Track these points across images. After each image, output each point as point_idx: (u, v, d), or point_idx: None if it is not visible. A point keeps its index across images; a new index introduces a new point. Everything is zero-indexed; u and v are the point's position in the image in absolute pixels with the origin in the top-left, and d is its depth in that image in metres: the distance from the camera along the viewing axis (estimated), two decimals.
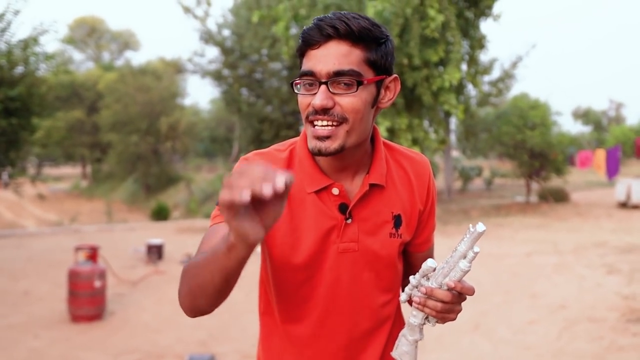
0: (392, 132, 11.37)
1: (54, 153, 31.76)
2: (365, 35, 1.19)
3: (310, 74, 1.19)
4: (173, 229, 13.20)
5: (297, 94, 1.24)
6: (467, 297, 1.22)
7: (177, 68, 28.96)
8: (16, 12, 9.81)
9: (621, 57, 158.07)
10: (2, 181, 11.88)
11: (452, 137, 22.55)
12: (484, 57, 18.83)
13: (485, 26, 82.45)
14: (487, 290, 6.62)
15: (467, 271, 1.15)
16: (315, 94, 1.20)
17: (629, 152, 30.97)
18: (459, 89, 13.24)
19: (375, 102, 1.25)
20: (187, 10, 20.40)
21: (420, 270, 1.20)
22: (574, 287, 6.87)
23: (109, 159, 31.94)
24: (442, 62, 11.80)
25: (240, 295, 5.96)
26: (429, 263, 1.18)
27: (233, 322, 5.73)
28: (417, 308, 1.21)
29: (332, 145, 1.21)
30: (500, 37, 19.93)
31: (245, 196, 0.87)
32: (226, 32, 21.19)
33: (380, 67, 1.23)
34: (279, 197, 0.93)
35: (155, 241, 9.12)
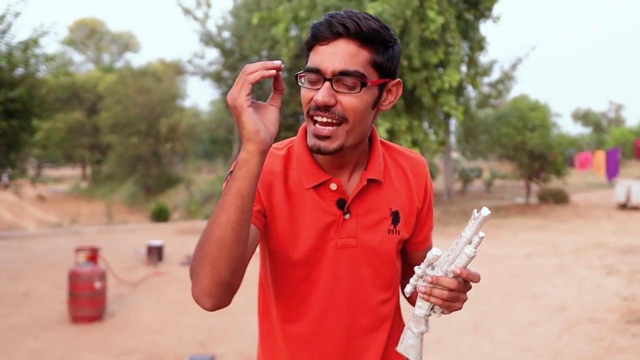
0: (391, 134, 11.38)
1: (54, 154, 31.70)
2: (374, 37, 1.20)
3: (316, 70, 1.20)
4: (173, 230, 13.20)
5: (300, 87, 1.25)
6: (467, 298, 1.22)
7: (177, 70, 29.00)
8: (16, 14, 9.82)
9: (621, 59, 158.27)
10: (2, 182, 11.88)
11: (452, 139, 22.54)
12: (483, 58, 18.82)
13: (485, 28, 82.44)
14: (487, 292, 6.63)
15: (473, 257, 1.14)
16: (319, 89, 1.20)
17: (629, 154, 30.99)
18: (459, 91, 13.25)
19: (376, 104, 1.26)
20: (187, 11, 20.45)
21: (425, 260, 1.20)
22: (574, 288, 6.88)
23: (108, 160, 31.91)
24: (442, 64, 11.82)
25: (240, 296, 5.93)
26: (434, 251, 1.18)
27: (233, 323, 5.74)
28: (423, 298, 1.20)
29: (331, 145, 1.22)
30: (499, 38, 19.99)
31: (256, 75, 1.07)
32: (226, 34, 21.22)
33: (385, 70, 1.24)
34: (277, 93, 1.15)
35: (156, 242, 9.12)
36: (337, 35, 1.19)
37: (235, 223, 1.07)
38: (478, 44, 13.03)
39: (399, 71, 1.31)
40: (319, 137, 1.22)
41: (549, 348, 4.87)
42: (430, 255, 1.18)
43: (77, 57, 47.01)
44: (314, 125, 1.23)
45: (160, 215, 19.25)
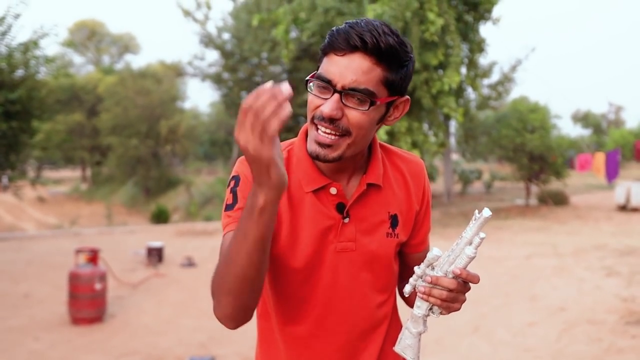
0: (391, 135, 11.39)
1: (53, 156, 31.68)
2: (390, 55, 1.18)
3: (326, 80, 1.19)
4: (173, 231, 13.20)
5: (308, 92, 1.24)
6: (467, 299, 1.22)
7: (177, 71, 29.01)
8: (17, 16, 9.83)
9: (621, 60, 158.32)
10: (2, 184, 11.89)
11: (452, 140, 22.56)
12: (483, 60, 18.90)
13: (485, 30, 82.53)
14: (486, 293, 6.63)
15: (473, 257, 1.14)
16: (327, 99, 1.19)
17: (629, 155, 31.04)
18: (459, 92, 13.28)
19: (381, 120, 1.26)
20: (187, 13, 20.47)
21: (425, 260, 1.20)
22: (574, 289, 6.89)
23: (108, 162, 31.93)
24: (442, 66, 11.84)
25: None
26: (434, 252, 1.18)
27: None
28: (422, 298, 1.20)
29: (331, 154, 1.22)
30: (499, 40, 19.99)
31: (276, 124, 0.96)
32: (226, 36, 21.24)
33: (396, 88, 1.23)
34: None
35: (156, 244, 9.12)
36: (354, 49, 1.17)
37: (258, 263, 1.09)
38: (478, 46, 13.05)
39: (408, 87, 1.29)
40: (320, 144, 1.22)
41: (548, 349, 4.87)
42: (430, 255, 1.18)
43: (77, 58, 47.07)
44: (317, 131, 1.22)
45: (160, 217, 19.26)
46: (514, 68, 19.22)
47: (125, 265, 8.66)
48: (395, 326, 1.44)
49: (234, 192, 1.28)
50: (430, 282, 1.17)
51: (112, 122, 29.47)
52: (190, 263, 8.77)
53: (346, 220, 1.31)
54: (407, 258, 1.47)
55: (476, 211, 1.15)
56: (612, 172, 17.58)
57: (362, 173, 1.34)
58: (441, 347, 4.96)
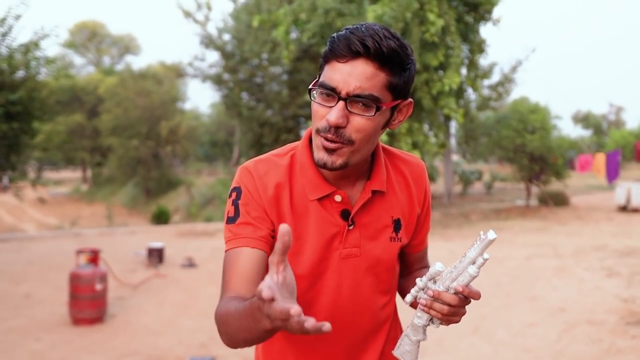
0: (392, 136, 11.40)
1: (54, 157, 31.77)
2: (393, 59, 1.17)
3: (330, 89, 1.18)
4: (173, 232, 13.21)
5: (312, 101, 1.23)
6: (466, 312, 1.24)
7: (177, 72, 29.04)
8: (17, 17, 9.85)
9: (621, 61, 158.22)
10: (3, 185, 11.90)
11: (452, 141, 22.55)
12: (483, 61, 18.91)
13: (485, 30, 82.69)
14: (487, 293, 6.64)
15: (475, 277, 1.16)
16: (331, 107, 1.19)
17: (629, 156, 31.06)
18: (459, 93, 13.28)
19: (386, 124, 1.26)
20: (187, 14, 20.49)
21: (428, 274, 1.21)
22: (574, 290, 6.89)
23: (109, 163, 31.98)
24: (442, 66, 11.84)
25: None
26: (437, 267, 1.19)
27: None
28: (423, 310, 1.22)
29: (337, 160, 1.21)
30: (499, 41, 19.95)
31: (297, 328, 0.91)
32: (226, 37, 21.25)
33: (400, 91, 1.22)
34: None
35: (156, 245, 9.13)
36: (356, 55, 1.16)
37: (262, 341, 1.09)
38: (478, 47, 13.05)
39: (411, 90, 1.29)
40: (327, 149, 1.21)
41: (548, 349, 4.88)
42: (433, 270, 1.20)
43: (78, 59, 47.14)
44: (322, 139, 1.21)
45: (161, 218, 19.29)
46: (514, 69, 19.21)
47: (126, 266, 8.67)
48: (395, 325, 1.46)
49: (235, 205, 1.27)
50: (432, 296, 1.19)
51: (113, 123, 29.50)
52: (190, 264, 8.78)
53: (351, 227, 1.31)
54: (406, 257, 1.49)
55: (481, 232, 1.16)
56: (612, 173, 17.58)
57: (366, 179, 1.34)
58: (441, 347, 4.97)
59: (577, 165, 19.04)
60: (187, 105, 52.90)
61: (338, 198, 1.30)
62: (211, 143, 36.51)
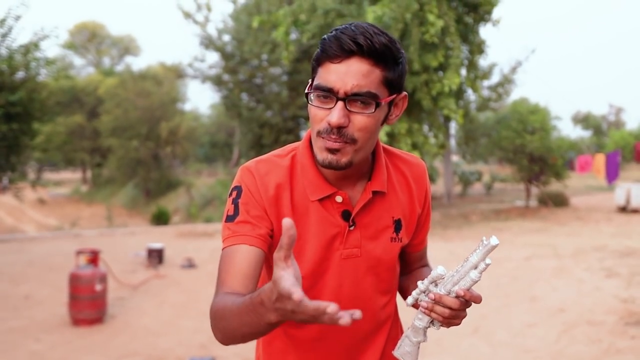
0: (391, 137, 11.41)
1: (54, 158, 31.77)
2: (385, 54, 1.18)
3: (328, 90, 1.18)
4: (173, 233, 13.21)
5: (309, 104, 1.23)
6: (467, 314, 1.24)
7: (177, 73, 29.02)
8: (17, 18, 9.86)
9: (621, 62, 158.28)
10: (3, 186, 11.90)
11: (452, 142, 22.56)
12: (483, 62, 18.92)
13: (485, 31, 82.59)
14: (486, 294, 6.63)
15: (477, 281, 1.17)
16: (331, 108, 1.19)
17: (629, 157, 31.07)
18: (459, 94, 13.29)
19: (385, 120, 1.27)
20: (187, 15, 20.50)
21: (429, 277, 1.22)
22: (573, 290, 6.90)
23: (109, 163, 31.98)
24: (442, 67, 11.85)
25: None
26: (438, 270, 1.20)
27: None
28: (424, 313, 1.23)
29: (341, 159, 1.21)
30: (499, 42, 19.99)
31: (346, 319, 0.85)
32: (226, 38, 21.27)
33: (395, 86, 1.23)
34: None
35: (156, 245, 9.13)
36: (349, 54, 1.16)
37: (259, 336, 1.10)
38: (478, 47, 13.06)
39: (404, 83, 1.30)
40: (330, 150, 1.20)
41: (548, 350, 4.88)
42: (434, 273, 1.20)
43: (78, 60, 47.16)
44: (324, 140, 1.21)
45: (161, 218, 19.28)
46: (514, 69, 19.23)
47: (126, 267, 8.67)
48: (396, 326, 1.47)
49: (235, 204, 1.28)
50: (434, 300, 1.20)
51: (113, 123, 29.51)
52: (190, 264, 8.78)
53: (352, 227, 1.32)
54: (406, 257, 1.50)
55: (484, 238, 1.17)
56: (612, 174, 17.60)
57: (367, 180, 1.34)
58: (441, 347, 4.97)
59: (576, 166, 19.06)
60: (187, 106, 52.82)
61: (339, 199, 1.30)
62: (211, 144, 36.53)
